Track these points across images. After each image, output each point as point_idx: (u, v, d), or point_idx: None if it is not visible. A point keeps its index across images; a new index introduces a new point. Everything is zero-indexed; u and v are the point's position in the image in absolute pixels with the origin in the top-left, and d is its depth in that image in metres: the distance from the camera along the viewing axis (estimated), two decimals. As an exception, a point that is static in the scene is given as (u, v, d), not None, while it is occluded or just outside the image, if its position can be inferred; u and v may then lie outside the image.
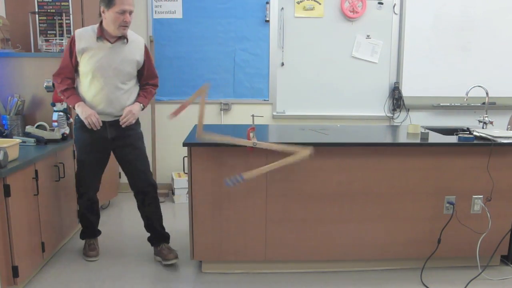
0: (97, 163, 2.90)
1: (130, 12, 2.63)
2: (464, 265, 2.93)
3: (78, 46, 2.68)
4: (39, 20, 3.42)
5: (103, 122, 2.76)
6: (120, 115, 2.78)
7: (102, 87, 2.71)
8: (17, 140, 2.58)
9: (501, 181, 2.79)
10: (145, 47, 2.86)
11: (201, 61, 4.41)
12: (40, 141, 2.90)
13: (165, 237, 3.04)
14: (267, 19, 4.34)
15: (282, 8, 4.35)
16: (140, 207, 2.99)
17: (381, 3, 4.39)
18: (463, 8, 4.45)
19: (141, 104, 2.87)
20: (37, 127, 2.97)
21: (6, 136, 2.87)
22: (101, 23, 2.70)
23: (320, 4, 4.37)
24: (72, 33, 3.22)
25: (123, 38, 2.72)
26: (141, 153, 2.94)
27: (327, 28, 4.41)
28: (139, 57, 2.81)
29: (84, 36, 2.69)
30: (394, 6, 4.41)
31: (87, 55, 2.68)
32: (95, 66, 2.68)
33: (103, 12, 2.63)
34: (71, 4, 3.37)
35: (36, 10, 3.42)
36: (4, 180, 2.31)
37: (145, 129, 4.44)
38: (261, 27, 4.36)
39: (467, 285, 2.70)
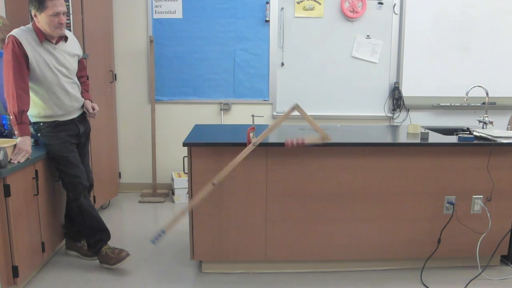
0: (78, 157, 2.83)
1: (64, 13, 2.55)
2: (464, 265, 2.93)
3: (27, 51, 2.50)
4: (39, 20, 3.42)
5: (73, 120, 2.78)
6: (81, 108, 2.86)
7: (65, 88, 2.69)
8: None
9: (501, 181, 2.79)
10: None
11: (201, 61, 4.41)
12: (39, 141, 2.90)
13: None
14: (267, 19, 4.34)
15: (282, 8, 4.35)
16: None
17: (381, 3, 4.39)
18: (463, 8, 4.45)
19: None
20: (37, 127, 2.96)
21: (6, 136, 2.87)
22: (34, 25, 2.56)
23: (320, 4, 4.37)
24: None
25: (63, 36, 2.67)
26: (88, 149, 3.06)
27: (327, 28, 4.41)
28: (79, 51, 2.85)
29: (28, 40, 2.52)
30: (394, 6, 4.41)
31: (39, 62, 2.56)
32: (52, 71, 2.61)
33: (35, 16, 2.52)
34: (71, 4, 3.37)
35: (36, 10, 3.41)
36: (4, 180, 2.31)
37: (145, 129, 4.48)
38: (261, 27, 4.37)
39: (467, 285, 2.70)
